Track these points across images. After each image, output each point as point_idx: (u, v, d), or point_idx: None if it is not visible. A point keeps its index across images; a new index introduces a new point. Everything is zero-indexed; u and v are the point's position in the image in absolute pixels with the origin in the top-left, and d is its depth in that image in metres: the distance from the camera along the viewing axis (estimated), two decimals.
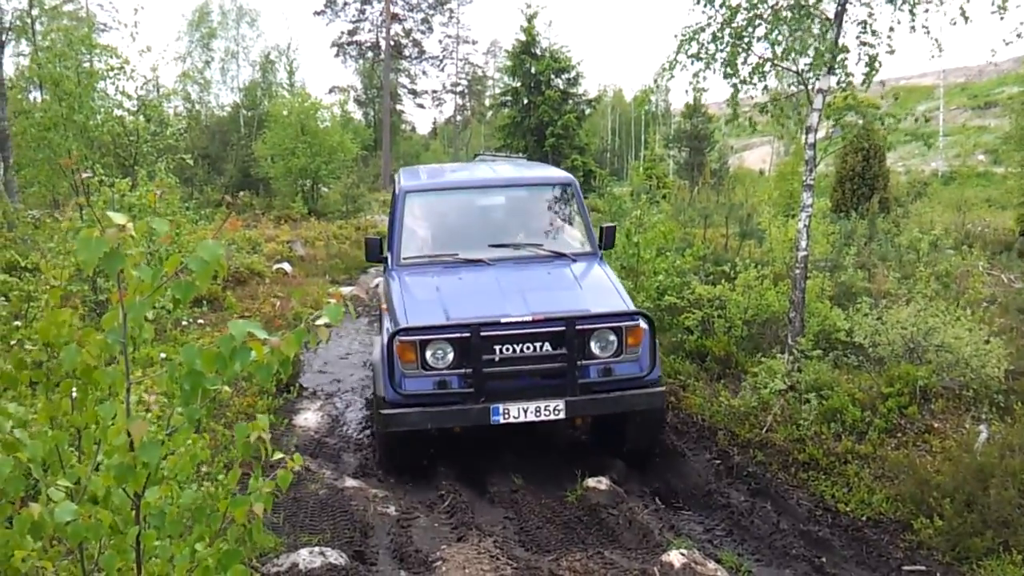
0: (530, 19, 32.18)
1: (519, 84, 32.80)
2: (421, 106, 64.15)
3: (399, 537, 5.26)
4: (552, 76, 31.65)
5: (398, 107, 52.30)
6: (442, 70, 59.17)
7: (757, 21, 7.34)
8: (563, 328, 5.60)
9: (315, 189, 28.17)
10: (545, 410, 5.63)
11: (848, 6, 7.18)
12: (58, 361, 2.59)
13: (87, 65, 10.97)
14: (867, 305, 7.93)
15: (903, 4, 7.06)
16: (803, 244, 7.46)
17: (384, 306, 8.05)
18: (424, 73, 57.51)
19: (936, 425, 6.05)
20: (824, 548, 5.21)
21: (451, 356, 5.62)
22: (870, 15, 7.26)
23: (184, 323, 9.60)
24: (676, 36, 7.57)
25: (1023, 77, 39.16)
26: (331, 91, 50.78)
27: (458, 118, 67.63)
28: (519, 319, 5.58)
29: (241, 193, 29.53)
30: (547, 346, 5.64)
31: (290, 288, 13.61)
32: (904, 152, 36.96)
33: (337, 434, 7.61)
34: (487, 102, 59.84)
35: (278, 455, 2.18)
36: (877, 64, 7.28)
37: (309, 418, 8.15)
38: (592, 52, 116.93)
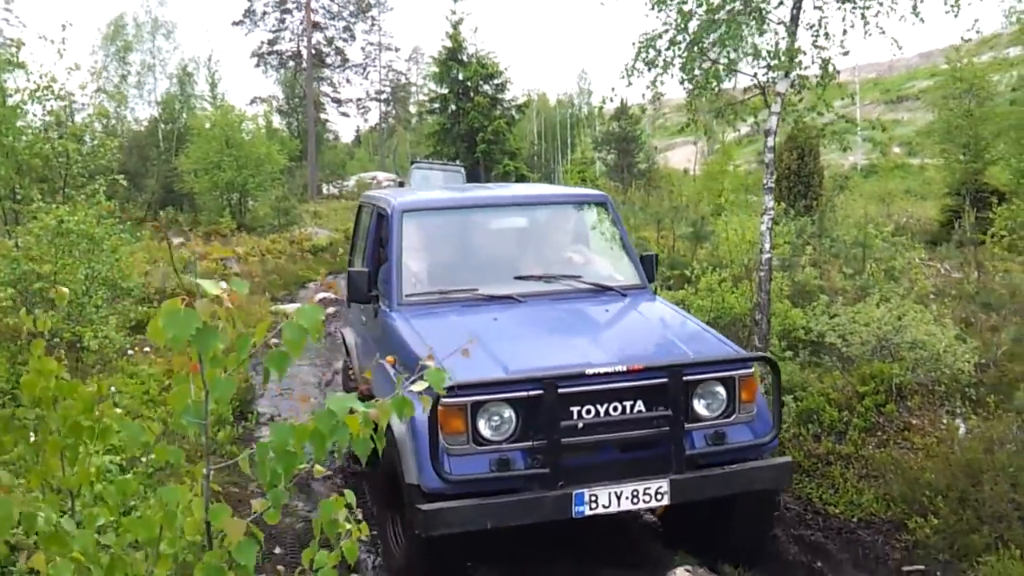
0: (455, 25, 32.07)
1: (447, 91, 32.65)
2: (345, 114, 63.21)
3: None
4: (480, 82, 31.58)
5: (322, 116, 51.55)
6: (366, 78, 58.62)
7: (713, 26, 7.35)
8: (665, 380, 4.22)
9: (243, 203, 27.50)
10: (645, 494, 4.16)
11: (801, 11, 7.25)
12: (47, 419, 2.37)
13: (10, 83, 10.43)
14: (824, 303, 8.03)
15: (854, 8, 7.16)
16: (767, 246, 7.50)
17: (357, 367, 6.66)
18: (348, 81, 56.83)
19: (914, 422, 6.12)
20: (819, 552, 5.21)
21: (513, 424, 4.11)
22: (822, 19, 7.35)
23: (129, 352, 9.19)
24: (633, 44, 7.54)
25: (931, 72, 40.69)
26: (253, 102, 49.68)
27: (383, 126, 67.06)
28: (609, 369, 4.16)
29: (166, 209, 28.64)
30: (640, 405, 4.24)
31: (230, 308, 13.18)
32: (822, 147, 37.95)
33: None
34: (412, 109, 59.57)
35: (347, 527, 1.99)
36: (831, 67, 7.38)
37: None
38: (515, 57, 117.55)
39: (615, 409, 4.22)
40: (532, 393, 4.07)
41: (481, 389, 4.07)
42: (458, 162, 25.41)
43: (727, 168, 27.07)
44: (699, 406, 4.40)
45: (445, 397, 3.83)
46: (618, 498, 4.14)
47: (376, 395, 4.78)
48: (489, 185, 8.25)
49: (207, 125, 27.50)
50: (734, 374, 4.42)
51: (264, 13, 49.98)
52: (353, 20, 52.70)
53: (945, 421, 6.09)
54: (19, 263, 8.30)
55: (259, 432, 8.18)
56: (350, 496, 2.10)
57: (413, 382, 1.81)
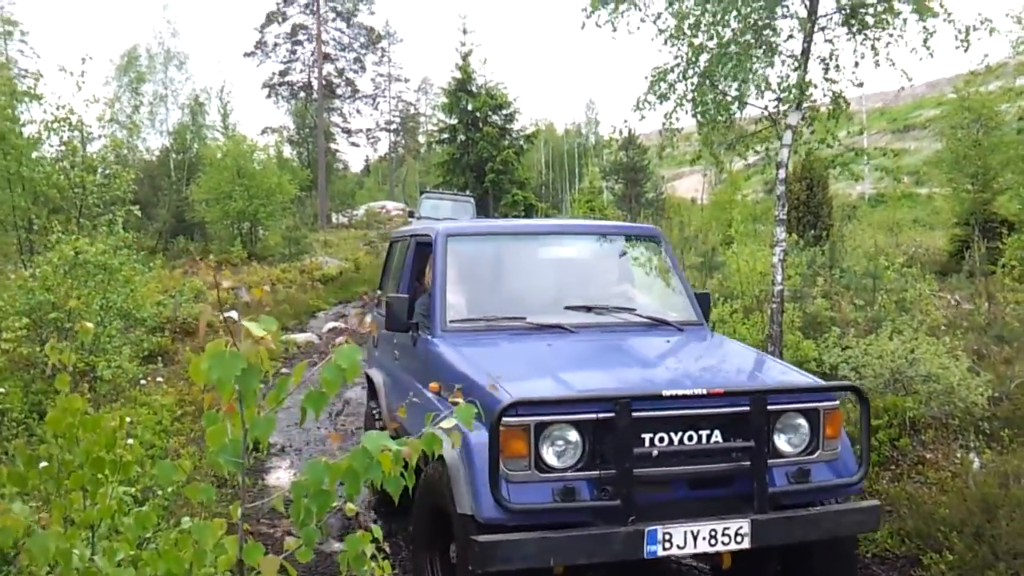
0: (465, 57, 32.31)
1: (456, 121, 32.81)
2: (355, 144, 63.75)
3: None
4: (489, 113, 31.75)
5: (332, 146, 51.94)
6: (375, 108, 59.07)
7: (724, 59, 7.43)
8: (747, 408, 3.84)
9: (254, 232, 27.66)
10: (723, 535, 3.73)
11: (812, 44, 7.34)
12: (71, 455, 2.40)
13: (25, 115, 10.61)
14: (836, 335, 8.03)
15: (864, 40, 7.25)
16: (779, 278, 7.53)
17: (386, 407, 6.24)
18: (358, 111, 57.31)
19: (928, 456, 6.10)
20: None
21: (580, 449, 3.73)
22: (833, 51, 7.44)
23: (142, 381, 9.23)
24: (646, 77, 7.63)
25: (938, 100, 40.83)
26: (263, 132, 50.17)
27: (393, 155, 67.53)
28: (688, 392, 3.78)
29: (176, 238, 28.81)
30: (717, 435, 3.87)
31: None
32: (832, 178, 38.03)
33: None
34: (421, 139, 59.91)
35: (372, 565, 2.00)
36: (842, 100, 7.46)
37: (282, 477, 7.88)
38: (523, 87, 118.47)
39: (690, 438, 3.84)
40: (603, 415, 3.71)
41: (546, 408, 3.73)
42: (468, 192, 25.52)
43: (735, 198, 27.16)
44: (779, 440, 4.04)
45: (507, 416, 3.55)
46: (694, 538, 3.70)
47: (410, 428, 4.45)
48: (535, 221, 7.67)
49: (219, 155, 27.72)
50: (818, 406, 4.06)
51: (275, 45, 50.64)
52: (363, 52, 53.34)
53: (959, 455, 6.07)
54: (35, 293, 8.38)
55: (270, 463, 8.20)
56: (377, 531, 2.11)
57: (443, 420, 1.83)
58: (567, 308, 5.12)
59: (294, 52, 51.07)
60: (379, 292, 7.26)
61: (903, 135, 44.53)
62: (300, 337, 14.70)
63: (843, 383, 4.85)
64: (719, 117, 7.84)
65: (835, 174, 10.47)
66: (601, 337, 4.93)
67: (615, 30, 7.71)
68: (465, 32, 32.41)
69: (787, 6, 7.55)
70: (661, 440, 3.80)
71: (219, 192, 26.47)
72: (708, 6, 7.38)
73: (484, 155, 30.79)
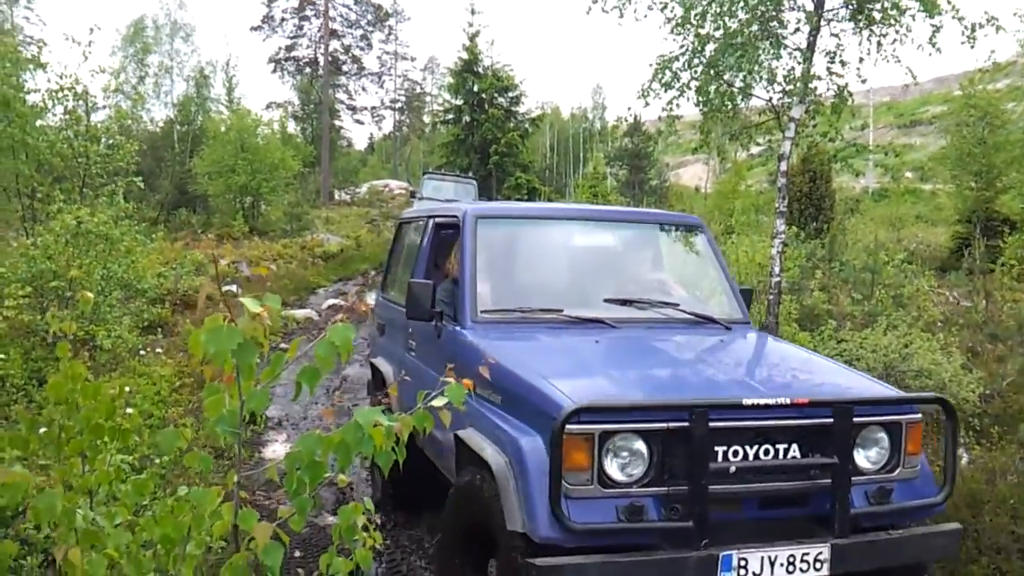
0: (472, 38, 32.28)
1: (462, 102, 32.82)
2: (360, 122, 63.70)
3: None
4: (495, 95, 31.75)
5: (336, 123, 51.84)
6: (381, 86, 59.02)
7: (730, 49, 7.45)
8: (829, 420, 3.48)
9: (256, 207, 27.68)
10: (803, 561, 3.40)
11: (818, 37, 7.36)
12: (72, 421, 2.46)
13: (29, 83, 10.60)
14: (831, 328, 8.08)
15: (870, 36, 7.27)
16: (776, 270, 7.58)
17: (396, 401, 5.63)
18: (363, 89, 57.32)
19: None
20: None
21: (646, 462, 3.36)
22: (838, 46, 7.46)
23: (141, 352, 9.29)
24: (650, 65, 7.65)
25: (945, 97, 40.74)
26: (268, 107, 50.03)
27: (397, 134, 67.43)
28: (770, 401, 3.39)
29: (178, 210, 28.82)
30: (795, 450, 3.51)
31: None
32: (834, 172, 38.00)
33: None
34: (426, 118, 59.84)
35: (364, 535, 2.07)
36: (847, 94, 7.48)
37: (278, 450, 7.96)
38: (529, 70, 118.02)
39: (766, 452, 3.46)
40: (674, 425, 3.31)
41: (612, 416, 3.31)
42: (470, 174, 25.56)
43: (738, 188, 27.17)
44: (859, 456, 3.64)
45: (570, 424, 3.14)
46: (771, 564, 3.34)
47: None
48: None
49: (223, 128, 27.69)
50: (902, 419, 3.69)
51: (282, 19, 50.49)
52: (370, 29, 53.19)
53: None
54: (36, 261, 8.43)
55: (267, 435, 8.27)
56: (369, 504, 2.16)
57: (434, 397, 1.88)
58: (606, 301, 4.72)
59: (301, 27, 50.94)
60: (386, 277, 6.78)
61: (909, 130, 44.47)
62: (299, 313, 14.75)
63: (929, 394, 4.47)
64: (723, 107, 7.87)
65: (837, 168, 10.50)
66: (647, 334, 4.53)
67: (622, 16, 7.73)
68: (473, 13, 32.38)
69: None
70: (735, 454, 3.41)
71: (222, 165, 26.47)
72: None
73: (489, 137, 30.81)
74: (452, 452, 4.22)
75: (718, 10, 7.43)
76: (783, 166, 7.60)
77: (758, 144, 8.63)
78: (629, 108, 28.16)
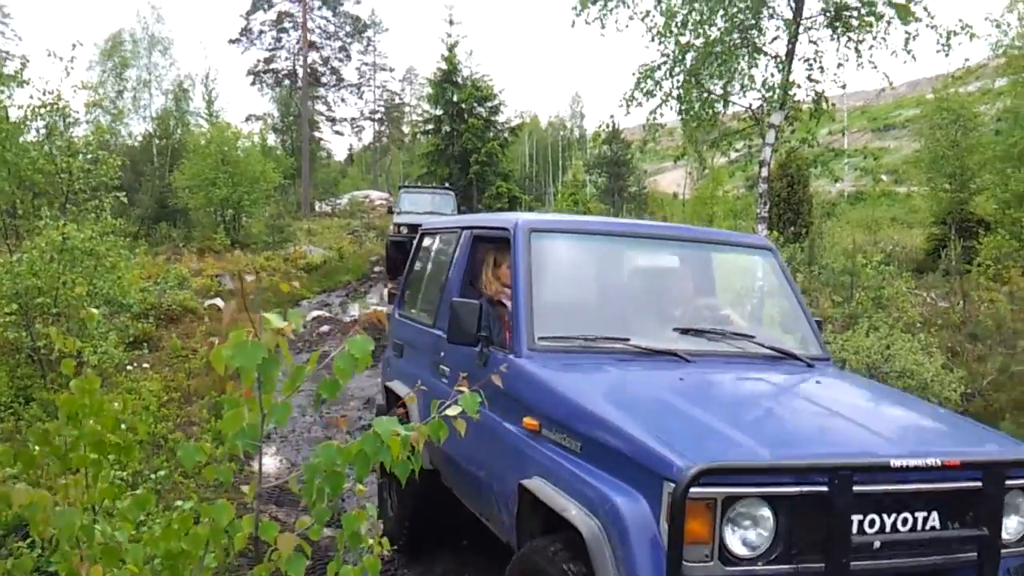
0: (451, 48, 32.40)
1: (441, 112, 32.92)
2: (339, 133, 63.78)
3: None
4: (474, 105, 31.87)
5: (316, 134, 51.76)
6: (360, 97, 58.97)
7: (711, 58, 7.57)
8: (977, 484, 2.99)
9: (237, 220, 27.57)
10: None
11: (797, 44, 7.49)
12: (79, 435, 2.49)
13: (7, 100, 10.55)
14: None
15: (848, 43, 7.40)
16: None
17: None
18: (342, 100, 57.27)
19: None
20: None
21: (771, 533, 2.83)
22: (817, 52, 7.60)
23: (128, 367, 9.25)
24: (633, 74, 7.76)
25: (918, 100, 41.26)
26: (248, 119, 49.96)
27: (377, 145, 67.39)
28: (919, 463, 2.89)
29: (159, 224, 28.66)
30: (934, 519, 2.98)
31: (226, 326, 13.25)
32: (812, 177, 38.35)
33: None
34: (405, 129, 59.83)
35: (370, 541, 2.11)
36: (824, 100, 7.62)
37: (267, 463, 7.95)
38: (508, 79, 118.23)
39: (904, 522, 2.93)
40: (810, 489, 2.79)
41: (738, 478, 2.78)
42: (447, 186, 25.49)
43: (717, 193, 27.39)
44: (1008, 523, 3.13)
45: (695, 487, 2.62)
46: None
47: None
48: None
49: (203, 142, 27.59)
50: None
51: (260, 32, 50.34)
52: (349, 40, 53.16)
53: None
54: (21, 277, 8.39)
55: (265, 449, 8.27)
56: (371, 510, 2.21)
57: (448, 406, 1.93)
58: (676, 331, 4.19)
59: (279, 40, 50.80)
60: (404, 292, 6.22)
61: (883, 134, 44.96)
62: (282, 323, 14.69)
63: None
64: (703, 114, 7.98)
65: (816, 173, 10.66)
66: (730, 372, 4.01)
67: (604, 27, 7.83)
68: (451, 23, 32.50)
69: (773, 7, 7.70)
70: (872, 524, 2.88)
71: (202, 179, 26.33)
72: (695, 5, 7.52)
73: (469, 146, 30.91)
74: (506, 502, 3.69)
75: (698, 19, 7.54)
76: (764, 172, 7.71)
77: (736, 150, 8.75)
78: (612, 116, 28.38)
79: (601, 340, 4.01)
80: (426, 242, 6.05)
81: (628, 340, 4.00)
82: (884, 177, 37.42)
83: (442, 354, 4.68)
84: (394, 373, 5.86)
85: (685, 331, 4.19)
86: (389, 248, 20.36)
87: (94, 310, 2.65)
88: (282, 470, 7.68)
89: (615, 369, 3.85)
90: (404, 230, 19.82)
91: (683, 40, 7.80)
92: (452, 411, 1.93)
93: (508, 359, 3.89)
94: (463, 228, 5.18)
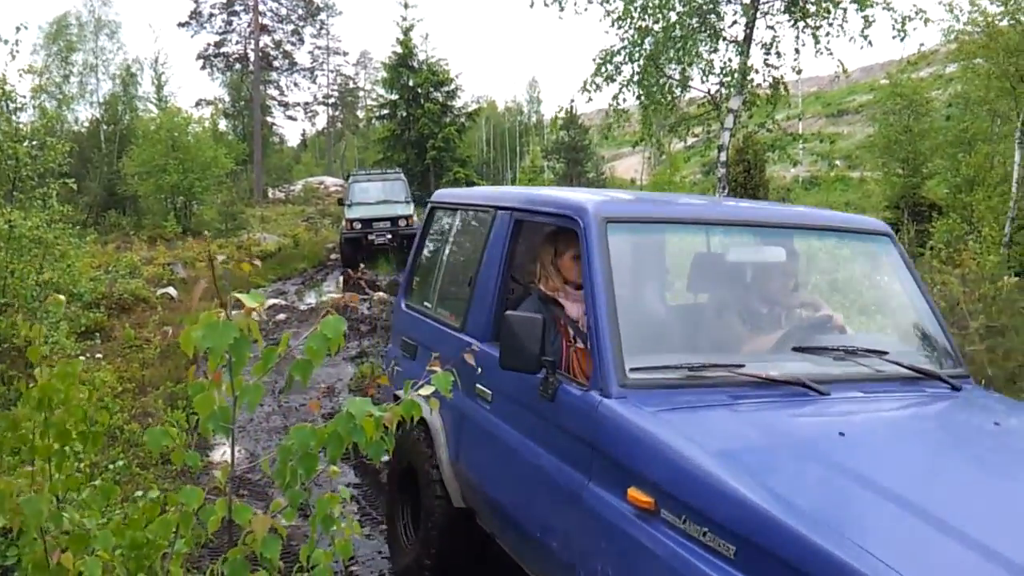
0: (406, 32, 32.10)
1: (397, 97, 32.66)
2: (292, 118, 62.89)
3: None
4: (431, 89, 31.66)
5: (268, 119, 51.09)
6: (313, 81, 58.21)
7: (670, 42, 7.59)
8: None
9: (188, 207, 27.13)
10: None
11: (755, 29, 7.55)
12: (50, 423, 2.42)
13: None
14: None
15: (805, 28, 7.48)
16: None
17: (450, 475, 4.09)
18: (295, 85, 56.46)
19: None
20: None
21: None
22: (774, 38, 7.67)
23: (80, 357, 9.03)
24: (593, 60, 7.75)
25: (871, 86, 41.95)
26: (198, 104, 49.10)
27: (331, 130, 66.72)
28: None
29: (108, 212, 28.11)
30: None
31: (178, 314, 13.05)
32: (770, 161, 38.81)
33: (259, 469, 7.34)
34: (360, 114, 59.33)
35: (342, 524, 2.08)
36: (781, 86, 7.69)
37: (226, 453, 7.86)
38: (464, 64, 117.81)
39: None
40: None
41: None
42: (398, 169, 24.32)
43: (674, 179, 27.60)
44: None
45: None
46: None
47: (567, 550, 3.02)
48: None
49: (152, 127, 27.08)
50: None
51: (211, 15, 49.44)
52: (301, 24, 52.43)
53: None
54: None
55: (216, 439, 8.15)
56: (345, 492, 2.18)
57: (421, 387, 1.89)
58: (795, 350, 3.31)
59: (230, 23, 49.96)
60: (412, 278, 5.24)
61: (837, 119, 45.65)
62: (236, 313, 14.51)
63: None
64: (662, 99, 8.01)
65: (773, 157, 10.78)
66: (884, 409, 3.16)
67: (563, 9, 7.80)
68: (406, 6, 32.21)
69: None
70: None
71: (152, 165, 25.88)
72: None
73: (425, 132, 30.73)
74: None
75: (657, 3, 7.55)
76: (723, 156, 7.78)
77: (695, 136, 8.80)
78: (572, 101, 28.45)
79: (709, 368, 3.05)
80: (441, 219, 5.03)
81: (742, 366, 3.08)
82: (838, 163, 38.05)
83: (479, 370, 3.60)
84: (406, 379, 4.60)
85: (805, 349, 3.32)
86: (343, 244, 20.11)
87: (60, 296, 2.57)
88: (241, 460, 7.58)
89: (746, 416, 2.92)
90: (357, 225, 19.59)
91: (642, 24, 7.81)
92: (425, 391, 1.90)
93: (590, 399, 2.95)
94: (499, 208, 4.10)
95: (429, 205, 5.13)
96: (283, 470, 1.79)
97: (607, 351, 2.98)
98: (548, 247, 3.84)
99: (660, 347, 3.31)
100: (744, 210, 4.26)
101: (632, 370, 2.96)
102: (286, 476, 1.79)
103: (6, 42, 9.04)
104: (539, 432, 3.29)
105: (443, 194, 5.18)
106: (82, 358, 9.14)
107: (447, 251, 4.80)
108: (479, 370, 3.58)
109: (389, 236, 19.56)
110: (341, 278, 18.84)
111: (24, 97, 10.47)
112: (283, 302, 16.19)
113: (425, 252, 5.12)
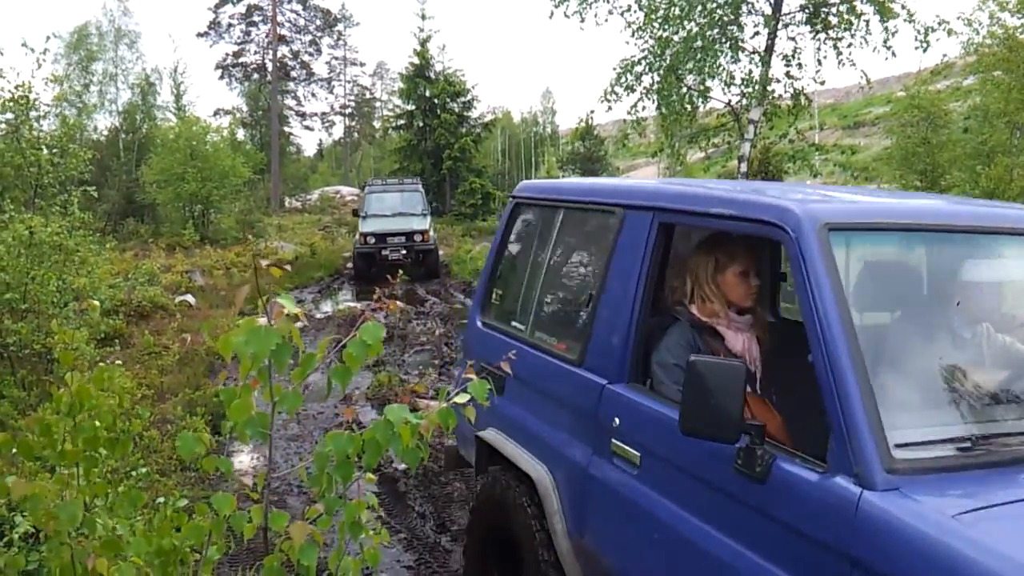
0: (423, 43, 32.28)
1: (413, 107, 32.82)
2: (309, 128, 63.20)
3: None
4: (447, 100, 31.79)
5: (285, 129, 51.38)
6: (330, 92, 58.55)
7: (690, 53, 7.58)
8: None
9: (206, 215, 27.29)
10: None
11: (776, 40, 7.54)
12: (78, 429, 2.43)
13: None
14: None
15: (827, 40, 7.45)
16: None
17: None
18: (312, 95, 56.85)
19: None
20: None
21: None
22: (795, 49, 7.64)
23: (100, 364, 9.03)
24: (614, 69, 7.76)
25: (887, 98, 41.81)
26: (216, 113, 49.46)
27: (347, 140, 67.06)
28: None
29: (126, 220, 28.31)
30: None
31: (197, 322, 13.11)
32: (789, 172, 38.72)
33: (278, 477, 7.33)
34: (376, 124, 59.60)
35: (370, 532, 2.08)
36: (802, 98, 7.67)
37: (244, 460, 7.86)
38: (480, 74, 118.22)
39: None
40: None
41: None
42: (416, 179, 23.48)
43: None
44: None
45: None
46: None
47: None
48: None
49: (171, 136, 27.27)
50: None
51: (230, 25, 49.92)
52: (319, 34, 52.83)
53: None
54: None
55: (232, 447, 8.16)
56: (372, 499, 2.17)
57: (458, 394, 1.88)
58: None
59: (248, 33, 50.39)
60: (490, 289, 4.34)
61: (853, 131, 45.45)
62: (259, 322, 14.56)
63: None
64: (682, 110, 8.00)
65: (794, 168, 10.77)
66: None
67: (583, 21, 7.81)
68: (423, 18, 32.39)
69: (752, 3, 7.73)
70: None
71: (171, 174, 26.05)
72: (676, 0, 7.52)
73: (442, 142, 30.84)
74: None
75: (678, 14, 7.55)
76: (743, 167, 7.75)
77: (715, 146, 8.79)
78: (591, 111, 28.45)
79: (998, 439, 2.21)
80: (529, 217, 4.13)
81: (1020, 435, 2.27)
82: (855, 175, 37.90)
83: (616, 421, 2.86)
84: (494, 419, 3.78)
85: None
86: (356, 258, 19.43)
87: (95, 302, 2.60)
88: (260, 466, 7.59)
89: None
90: (371, 240, 18.86)
91: (662, 35, 7.80)
92: (460, 399, 1.88)
93: (838, 489, 2.10)
94: (633, 207, 3.16)
95: (512, 200, 4.21)
96: (320, 477, 1.79)
97: (859, 420, 2.10)
98: (704, 258, 2.97)
99: (930, 410, 2.36)
100: (992, 214, 2.98)
101: (898, 447, 2.08)
102: (323, 483, 1.79)
103: (32, 51, 9.16)
104: (732, 520, 2.40)
105: (531, 187, 4.27)
106: (101, 364, 9.22)
107: (545, 258, 3.75)
108: (616, 422, 2.84)
109: (404, 252, 18.67)
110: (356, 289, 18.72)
111: (47, 106, 10.59)
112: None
113: (510, 257, 4.19)
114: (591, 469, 3.00)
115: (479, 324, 4.16)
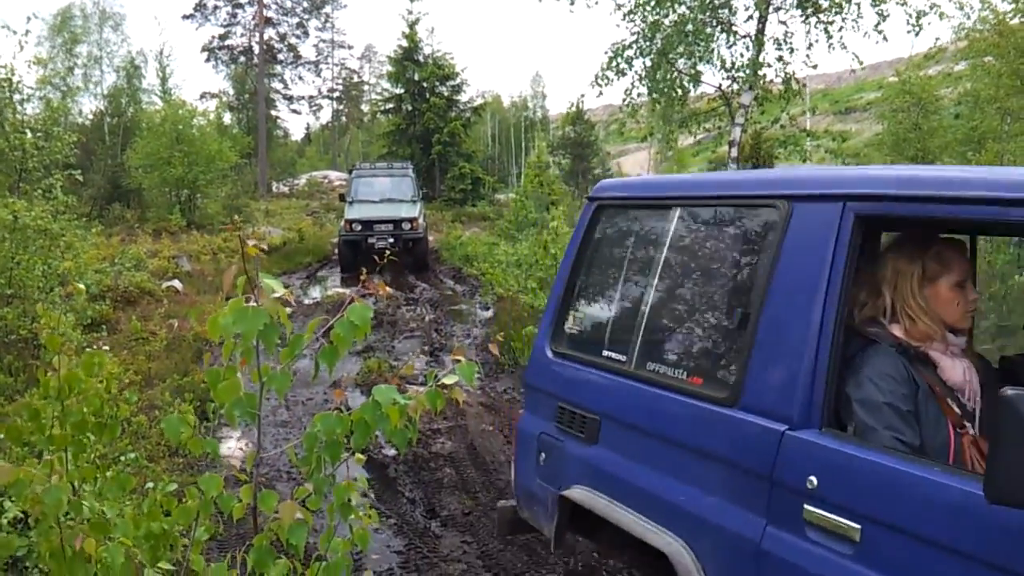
0: (412, 25, 32.08)
1: (402, 91, 32.66)
2: (296, 112, 62.89)
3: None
4: (436, 83, 31.64)
5: (272, 113, 51.04)
6: (318, 75, 58.24)
7: (681, 36, 7.54)
8: None
9: (192, 200, 27.11)
10: None
11: (767, 24, 7.50)
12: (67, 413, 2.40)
13: None
14: None
15: (818, 23, 7.42)
16: None
17: None
18: (300, 78, 56.50)
19: None
20: None
21: None
22: (787, 33, 7.62)
23: (87, 349, 8.98)
24: (605, 52, 7.71)
25: (879, 83, 41.88)
26: (202, 97, 48.97)
27: (335, 124, 66.70)
28: None
29: (112, 205, 28.09)
30: None
31: (184, 307, 13.03)
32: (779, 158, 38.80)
33: (266, 463, 7.33)
34: (365, 108, 59.29)
35: (360, 513, 2.06)
36: (794, 82, 7.65)
37: (232, 447, 7.83)
38: (469, 58, 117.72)
39: None
40: None
41: None
42: (406, 163, 22.42)
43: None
44: None
45: None
46: None
47: None
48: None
49: (157, 120, 27.05)
50: None
51: (215, 7, 49.38)
52: (306, 16, 52.40)
53: None
54: None
55: (221, 432, 8.13)
56: (363, 482, 2.16)
57: (445, 376, 1.86)
58: None
59: (235, 15, 49.90)
60: (568, 305, 3.49)
61: (844, 117, 45.55)
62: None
63: None
64: (673, 94, 7.97)
65: (785, 153, 10.75)
66: None
67: (573, 3, 7.75)
68: (412, 0, 32.13)
69: None
70: None
71: (157, 158, 25.83)
72: None
73: (431, 126, 30.70)
74: None
75: None
76: (733, 152, 7.73)
77: (706, 130, 8.76)
78: (582, 96, 28.31)
79: None
80: (620, 223, 3.40)
81: None
82: (847, 160, 37.95)
83: (813, 482, 2.17)
84: (583, 474, 3.05)
85: None
86: (341, 246, 18.48)
87: (81, 286, 2.57)
88: (248, 453, 7.56)
89: None
90: (357, 227, 17.90)
91: (654, 19, 7.76)
92: (449, 380, 1.86)
93: None
94: (806, 198, 2.43)
95: (590, 203, 3.43)
96: (309, 457, 1.77)
97: None
98: (906, 265, 2.38)
99: None
100: None
101: None
102: (312, 463, 1.76)
103: (14, 32, 9.04)
104: None
105: (619, 186, 3.50)
106: (87, 350, 9.16)
107: (654, 271, 2.99)
108: (812, 483, 2.15)
109: (391, 240, 17.73)
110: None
111: (31, 88, 10.47)
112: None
113: (593, 273, 3.42)
114: (765, 544, 2.30)
115: (549, 354, 3.38)
